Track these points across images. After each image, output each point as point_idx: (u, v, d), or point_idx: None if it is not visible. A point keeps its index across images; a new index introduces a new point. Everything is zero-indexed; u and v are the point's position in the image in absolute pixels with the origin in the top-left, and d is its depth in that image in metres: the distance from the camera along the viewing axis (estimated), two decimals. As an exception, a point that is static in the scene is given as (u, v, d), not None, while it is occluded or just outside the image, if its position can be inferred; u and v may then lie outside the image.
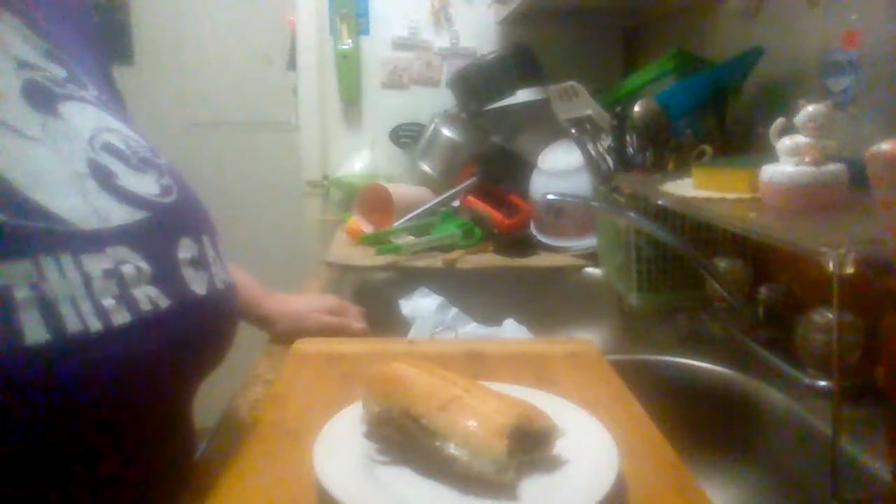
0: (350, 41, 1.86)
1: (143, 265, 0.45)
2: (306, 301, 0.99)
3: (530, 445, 0.51)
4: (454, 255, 1.38)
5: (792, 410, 0.72)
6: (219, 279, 0.53)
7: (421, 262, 1.37)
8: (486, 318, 1.13)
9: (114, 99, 0.58)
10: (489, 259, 1.40)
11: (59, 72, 0.50)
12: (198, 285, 0.50)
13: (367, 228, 1.55)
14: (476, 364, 0.76)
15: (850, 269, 0.51)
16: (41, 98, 0.47)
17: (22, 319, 0.38)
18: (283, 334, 0.89)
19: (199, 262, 0.50)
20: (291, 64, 1.97)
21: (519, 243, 1.44)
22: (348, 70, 1.87)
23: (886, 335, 0.62)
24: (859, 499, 0.58)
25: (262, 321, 0.91)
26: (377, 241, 1.46)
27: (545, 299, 1.28)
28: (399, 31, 1.87)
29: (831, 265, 0.51)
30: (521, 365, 0.76)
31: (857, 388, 0.68)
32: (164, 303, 0.46)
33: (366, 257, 1.40)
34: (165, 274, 0.47)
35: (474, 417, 0.50)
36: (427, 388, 0.53)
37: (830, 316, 0.72)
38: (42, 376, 0.39)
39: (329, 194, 1.93)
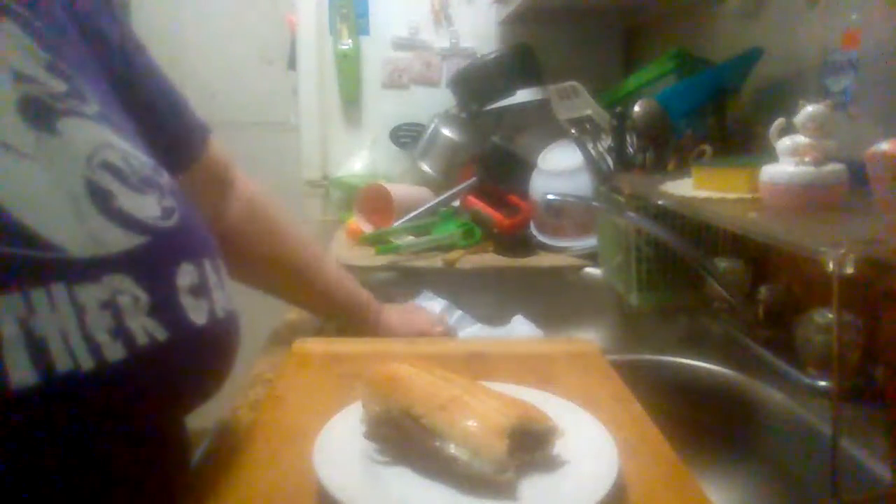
0: (350, 41, 1.86)
1: (141, 294, 0.43)
2: (425, 317, 1.02)
3: (530, 445, 0.51)
4: (454, 255, 1.38)
5: (792, 410, 0.72)
6: (219, 307, 0.50)
7: (421, 262, 1.37)
8: (487, 318, 1.13)
9: (119, 113, 0.55)
10: (489, 259, 1.40)
11: (59, 86, 0.47)
12: (197, 314, 0.47)
13: (367, 228, 1.55)
14: (476, 364, 0.76)
15: (850, 269, 0.51)
16: (38, 113, 0.44)
17: (7, 360, 0.36)
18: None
19: (199, 289, 0.48)
20: (291, 64, 1.97)
21: (519, 243, 1.44)
22: (348, 70, 1.87)
23: (886, 335, 0.62)
24: (859, 499, 0.58)
25: (378, 329, 0.96)
26: (377, 241, 1.46)
27: (545, 299, 1.28)
28: (399, 31, 1.87)
29: (831, 265, 0.51)
30: (521, 365, 0.76)
31: (857, 388, 0.68)
32: (161, 335, 0.43)
33: (366, 257, 1.40)
34: (164, 303, 0.45)
35: (474, 417, 0.50)
36: (427, 388, 0.53)
37: (830, 316, 0.72)
38: (29, 423, 0.37)
39: (329, 194, 1.93)
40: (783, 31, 1.02)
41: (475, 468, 0.48)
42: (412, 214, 1.54)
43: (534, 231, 1.48)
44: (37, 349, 0.37)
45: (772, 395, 0.76)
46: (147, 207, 0.47)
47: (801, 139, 0.68)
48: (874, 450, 0.60)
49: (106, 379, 0.40)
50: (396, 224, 1.51)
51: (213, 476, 0.54)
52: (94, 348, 0.39)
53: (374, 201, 1.59)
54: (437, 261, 1.37)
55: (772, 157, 0.70)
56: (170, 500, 0.51)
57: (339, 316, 0.96)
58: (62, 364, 0.38)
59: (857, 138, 0.73)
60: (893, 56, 0.77)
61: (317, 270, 0.93)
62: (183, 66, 2.58)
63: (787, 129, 0.69)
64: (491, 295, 1.30)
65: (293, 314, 1.07)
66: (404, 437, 0.53)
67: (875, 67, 0.80)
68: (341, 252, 1.47)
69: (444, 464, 0.50)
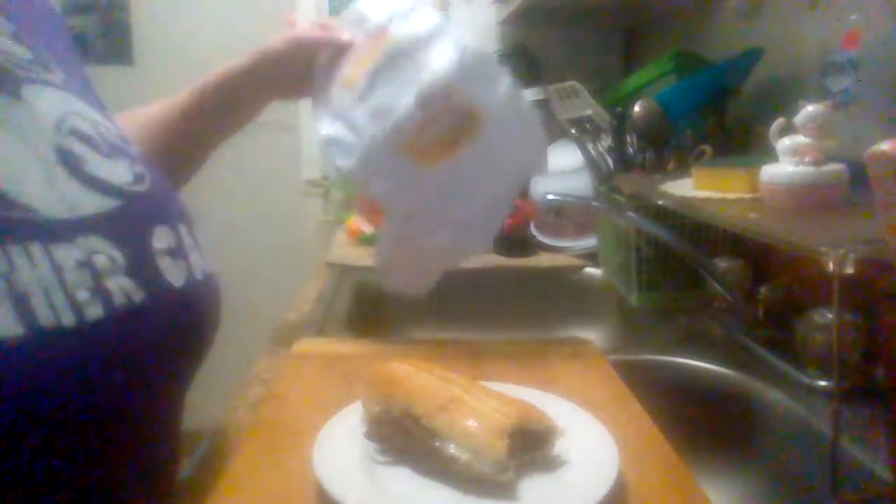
0: (350, 41, 1.86)
1: (117, 255, 0.43)
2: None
3: (530, 445, 0.51)
4: (454, 255, 1.38)
5: (792, 410, 0.72)
6: (198, 269, 0.50)
7: (421, 262, 1.37)
8: (487, 317, 1.13)
9: (86, 84, 0.55)
10: (489, 259, 1.40)
11: (23, 53, 0.47)
12: (175, 276, 0.47)
13: (367, 228, 1.55)
14: (476, 364, 0.76)
15: (850, 269, 0.51)
16: (2, 80, 0.44)
17: None
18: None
19: (175, 252, 0.48)
20: (291, 64, 1.97)
21: (519, 243, 1.44)
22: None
23: (886, 335, 0.62)
24: (859, 499, 0.58)
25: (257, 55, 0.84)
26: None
27: (545, 299, 1.28)
28: (399, 31, 1.87)
29: (831, 265, 0.51)
30: (521, 365, 0.76)
31: (857, 388, 0.68)
32: (138, 296, 0.43)
33: (366, 257, 1.40)
34: (140, 264, 0.45)
35: (474, 417, 0.50)
36: (427, 388, 0.53)
37: (830, 316, 0.72)
38: (16, 373, 0.37)
39: (329, 194, 1.93)
40: (783, 31, 1.02)
41: (475, 468, 0.48)
42: (412, 214, 1.54)
43: (534, 231, 1.48)
44: (20, 303, 0.37)
45: (772, 395, 0.76)
46: (118, 173, 0.47)
47: (801, 139, 0.68)
48: (874, 450, 0.60)
49: (86, 336, 0.40)
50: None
51: (212, 476, 0.54)
52: (75, 305, 0.40)
53: (375, 201, 1.58)
54: (437, 261, 1.36)
55: (772, 157, 0.70)
56: (153, 461, 0.51)
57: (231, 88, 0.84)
58: (45, 318, 0.38)
59: (857, 138, 0.73)
60: (893, 56, 0.77)
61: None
62: (183, 67, 2.58)
63: (787, 129, 0.69)
64: (491, 295, 1.30)
65: (293, 314, 1.07)
66: (404, 438, 0.53)
67: (875, 67, 0.80)
68: (341, 252, 1.47)
69: (444, 464, 0.50)
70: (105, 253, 0.42)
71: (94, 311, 0.40)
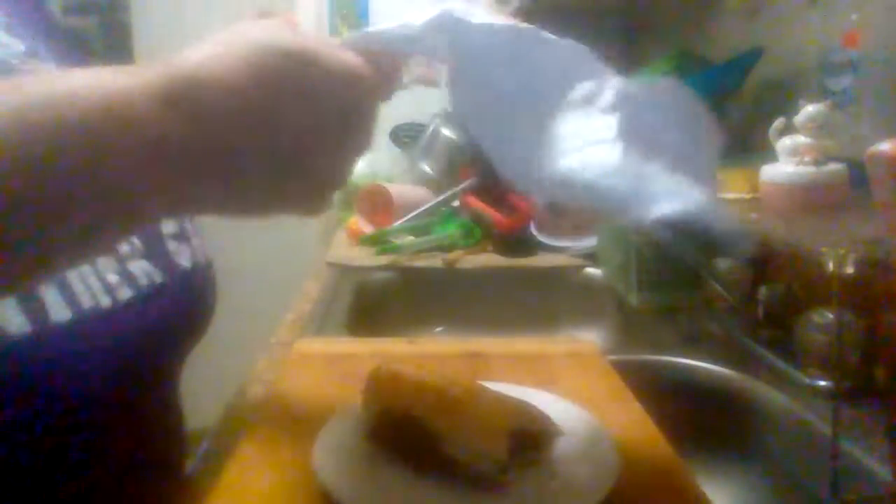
0: (350, 41, 1.86)
1: (135, 240, 0.46)
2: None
3: (530, 445, 0.51)
4: (454, 255, 1.38)
5: (792, 410, 0.72)
6: (199, 252, 0.53)
7: (421, 262, 1.37)
8: (486, 318, 1.13)
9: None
10: (489, 259, 1.40)
11: (16, 45, 0.47)
12: (183, 258, 0.50)
13: (368, 228, 1.55)
14: (476, 364, 0.76)
15: (850, 269, 0.51)
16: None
17: (45, 298, 0.39)
18: None
19: (180, 236, 0.51)
20: (291, 64, 1.98)
21: (519, 243, 1.44)
22: (348, 70, 1.87)
23: (886, 335, 0.62)
24: (859, 499, 0.58)
25: None
26: (377, 242, 1.46)
27: (545, 299, 1.28)
28: (399, 31, 1.87)
29: (831, 265, 0.51)
30: (521, 365, 0.76)
31: (857, 388, 0.68)
32: (158, 277, 0.46)
33: (366, 257, 1.40)
34: (154, 248, 0.47)
35: (474, 418, 0.50)
36: (427, 388, 0.53)
37: (830, 316, 0.72)
38: (67, 354, 0.39)
39: (329, 194, 1.93)
40: (783, 31, 1.02)
41: (475, 469, 0.48)
42: (412, 214, 1.54)
43: (534, 231, 1.48)
44: (65, 289, 0.40)
45: (772, 395, 0.76)
46: None
47: (801, 139, 0.68)
48: (874, 450, 0.60)
49: (120, 316, 0.43)
50: (396, 224, 1.51)
51: (212, 476, 0.54)
52: (109, 288, 0.42)
53: (374, 201, 1.59)
54: (437, 261, 1.37)
55: (772, 157, 0.70)
56: (166, 448, 0.54)
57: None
58: (87, 301, 0.41)
59: (857, 138, 0.73)
60: (893, 56, 0.77)
61: None
62: (183, 66, 2.59)
63: (787, 129, 0.69)
64: (491, 295, 1.30)
65: (293, 314, 1.07)
66: (404, 438, 0.53)
67: (875, 67, 0.80)
68: (341, 252, 1.47)
69: (444, 464, 0.50)
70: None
71: (125, 293, 0.43)
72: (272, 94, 0.33)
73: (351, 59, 0.37)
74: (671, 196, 0.35)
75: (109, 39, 2.56)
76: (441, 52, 0.42)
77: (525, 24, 0.42)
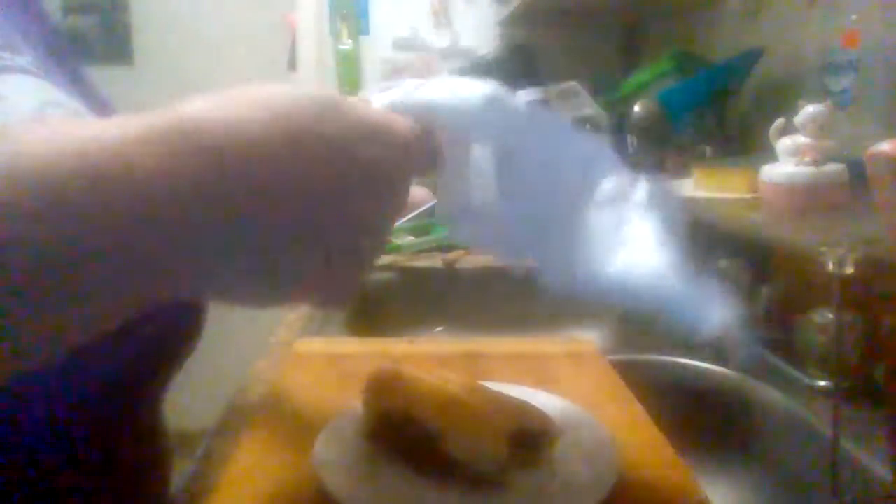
0: (350, 41, 1.86)
1: None
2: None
3: (530, 445, 0.51)
4: (454, 255, 1.38)
5: (792, 410, 0.72)
6: None
7: (421, 262, 1.37)
8: (486, 318, 1.13)
9: (73, 74, 0.51)
10: (489, 259, 1.40)
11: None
12: None
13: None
14: (476, 364, 0.76)
15: (850, 269, 0.51)
16: None
17: None
18: None
19: None
20: (291, 64, 1.98)
21: (519, 243, 1.44)
22: (348, 70, 1.87)
23: (886, 335, 0.62)
24: (859, 499, 0.58)
25: None
26: (377, 241, 1.45)
27: (545, 299, 1.28)
28: (399, 31, 1.87)
29: (831, 265, 0.51)
30: (521, 365, 0.76)
31: (857, 388, 0.68)
32: None
33: (366, 257, 1.40)
34: None
35: (474, 418, 0.50)
36: (427, 388, 0.53)
37: (830, 316, 0.72)
38: (35, 393, 0.37)
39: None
40: (783, 31, 1.02)
41: (475, 468, 0.48)
42: (412, 214, 1.53)
43: (534, 231, 1.48)
44: None
45: (772, 395, 0.76)
46: None
47: (801, 139, 0.68)
48: (874, 450, 0.60)
49: (90, 352, 0.38)
50: (396, 224, 1.50)
51: (212, 476, 0.54)
52: None
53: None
54: (437, 261, 1.37)
55: (772, 157, 0.70)
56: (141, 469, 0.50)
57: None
58: None
59: (857, 138, 0.73)
60: (893, 56, 0.77)
61: None
62: (183, 67, 2.58)
63: (787, 129, 0.69)
64: (491, 295, 1.30)
65: (293, 314, 1.07)
66: (404, 438, 0.53)
67: (875, 67, 0.80)
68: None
69: (443, 464, 0.50)
70: None
71: None
72: (294, 136, 0.28)
73: (380, 111, 0.34)
74: (707, 311, 0.37)
75: (109, 39, 2.56)
76: (492, 130, 0.40)
77: (555, 114, 0.41)
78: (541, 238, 0.42)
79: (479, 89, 0.39)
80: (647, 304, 0.37)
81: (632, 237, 0.39)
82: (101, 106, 0.52)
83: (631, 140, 1.13)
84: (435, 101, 0.38)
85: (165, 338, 0.45)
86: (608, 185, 0.40)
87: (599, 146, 0.42)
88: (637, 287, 0.37)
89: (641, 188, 0.40)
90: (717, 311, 0.37)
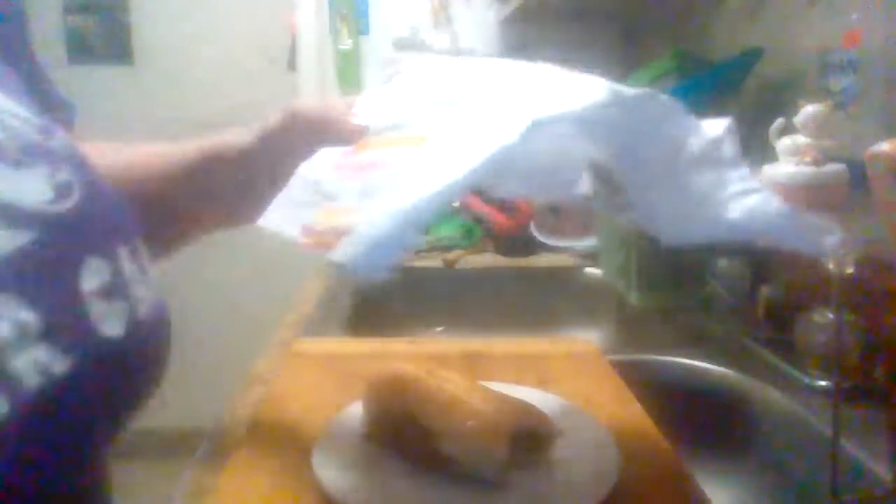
0: (350, 41, 1.86)
1: (28, 316, 0.31)
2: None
3: (530, 446, 0.51)
4: (454, 255, 1.38)
5: (792, 410, 0.72)
6: (143, 305, 0.39)
7: (421, 262, 1.37)
8: (486, 318, 1.13)
9: (15, 72, 0.44)
10: (489, 259, 1.40)
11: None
12: (111, 323, 0.36)
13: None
14: (476, 364, 0.76)
15: (850, 269, 0.51)
16: None
17: None
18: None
19: (112, 290, 0.36)
20: (291, 64, 1.98)
21: (519, 243, 1.44)
22: (348, 70, 1.87)
23: (886, 335, 0.62)
24: (859, 499, 0.58)
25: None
26: (377, 241, 1.45)
27: (545, 299, 1.28)
28: (399, 31, 1.87)
29: (831, 265, 0.51)
30: (521, 365, 0.76)
31: (857, 388, 0.68)
32: (60, 366, 0.32)
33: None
34: (63, 321, 0.33)
35: (474, 417, 0.50)
36: (427, 388, 0.53)
37: (830, 316, 0.72)
38: None
39: (329, 194, 1.93)
40: (783, 31, 1.02)
41: (475, 468, 0.48)
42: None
43: (534, 231, 1.48)
44: None
45: (772, 395, 0.76)
46: (33, 188, 0.34)
47: (801, 139, 0.68)
48: (874, 450, 0.60)
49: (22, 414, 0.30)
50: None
51: (212, 476, 0.54)
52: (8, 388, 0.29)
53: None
54: (437, 261, 1.37)
55: (772, 157, 0.70)
56: None
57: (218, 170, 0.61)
58: None
59: (857, 138, 0.73)
60: (893, 56, 0.77)
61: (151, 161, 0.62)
62: (183, 66, 2.59)
63: (787, 129, 0.69)
64: (490, 295, 1.30)
65: (293, 314, 1.07)
66: (404, 438, 0.53)
67: (875, 67, 0.80)
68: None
69: (444, 464, 0.50)
70: (11, 316, 0.31)
71: (27, 387, 0.30)
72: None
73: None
74: (817, 233, 0.44)
75: (109, 39, 2.56)
76: (601, 129, 0.46)
77: (645, 90, 0.46)
78: (659, 202, 0.48)
79: (589, 95, 0.45)
80: (774, 237, 0.45)
81: (737, 187, 0.45)
82: (57, 105, 0.50)
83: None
84: (571, 113, 0.44)
85: (120, 389, 0.38)
86: (694, 142, 0.47)
87: (675, 106, 0.48)
88: (762, 224, 0.44)
89: (728, 146, 0.48)
90: (827, 235, 0.44)
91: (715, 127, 0.50)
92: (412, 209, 0.41)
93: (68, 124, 0.55)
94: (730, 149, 0.48)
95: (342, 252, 0.41)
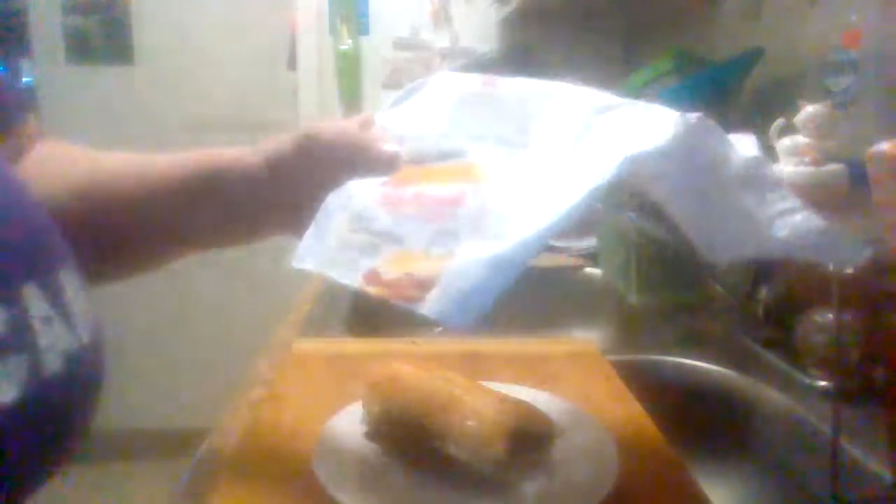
0: (350, 41, 1.86)
1: None
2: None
3: (530, 445, 0.51)
4: (454, 255, 1.38)
5: (792, 410, 0.72)
6: (83, 331, 0.36)
7: (421, 262, 1.37)
8: (486, 317, 1.13)
9: None
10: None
11: None
12: (53, 356, 0.33)
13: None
14: (476, 364, 0.76)
15: (850, 269, 0.51)
16: None
17: None
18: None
19: (52, 317, 0.34)
20: (291, 64, 1.98)
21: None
22: (348, 70, 1.87)
23: (886, 335, 0.62)
24: (859, 499, 0.58)
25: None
26: (377, 241, 1.45)
27: (545, 299, 1.28)
28: (399, 31, 1.87)
29: (831, 265, 0.51)
30: (521, 365, 0.76)
31: (857, 388, 0.68)
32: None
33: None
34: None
35: (474, 417, 0.50)
36: (427, 388, 0.53)
37: (830, 316, 0.72)
38: None
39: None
40: (783, 31, 1.02)
41: (475, 468, 0.48)
42: (412, 214, 1.53)
43: (534, 231, 1.48)
44: None
45: (772, 396, 0.76)
46: None
47: (801, 139, 0.68)
48: (874, 450, 0.60)
49: None
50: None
51: (212, 476, 0.54)
52: None
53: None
54: (437, 261, 1.36)
55: (772, 157, 0.70)
56: None
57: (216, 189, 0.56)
58: None
59: (857, 138, 0.73)
60: (893, 56, 0.77)
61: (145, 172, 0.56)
62: (183, 67, 2.58)
63: (787, 129, 0.69)
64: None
65: (293, 314, 1.07)
66: (404, 438, 0.53)
67: (875, 67, 0.80)
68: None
69: (444, 464, 0.50)
70: None
71: None
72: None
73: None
74: (852, 247, 0.47)
75: (109, 39, 2.56)
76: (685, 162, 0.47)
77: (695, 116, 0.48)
78: (711, 221, 0.49)
79: (668, 129, 0.45)
80: (817, 254, 0.48)
81: (780, 207, 0.47)
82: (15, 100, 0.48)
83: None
84: (661, 148, 0.44)
85: (63, 418, 0.35)
86: (734, 163, 0.48)
87: (714, 128, 0.49)
88: (808, 242, 0.46)
89: (766, 169, 0.49)
90: (859, 248, 0.46)
91: (743, 143, 0.51)
92: (508, 256, 0.40)
93: (9, 126, 0.51)
94: (768, 168, 0.50)
95: (432, 306, 0.41)
